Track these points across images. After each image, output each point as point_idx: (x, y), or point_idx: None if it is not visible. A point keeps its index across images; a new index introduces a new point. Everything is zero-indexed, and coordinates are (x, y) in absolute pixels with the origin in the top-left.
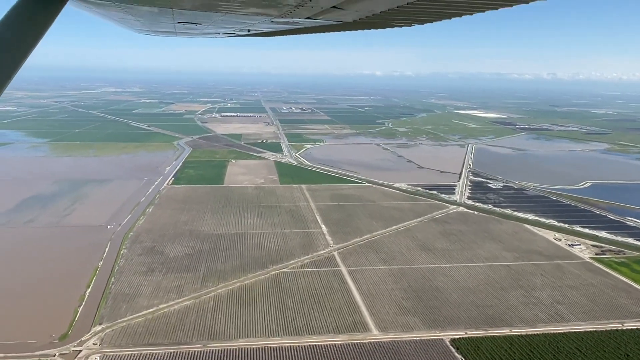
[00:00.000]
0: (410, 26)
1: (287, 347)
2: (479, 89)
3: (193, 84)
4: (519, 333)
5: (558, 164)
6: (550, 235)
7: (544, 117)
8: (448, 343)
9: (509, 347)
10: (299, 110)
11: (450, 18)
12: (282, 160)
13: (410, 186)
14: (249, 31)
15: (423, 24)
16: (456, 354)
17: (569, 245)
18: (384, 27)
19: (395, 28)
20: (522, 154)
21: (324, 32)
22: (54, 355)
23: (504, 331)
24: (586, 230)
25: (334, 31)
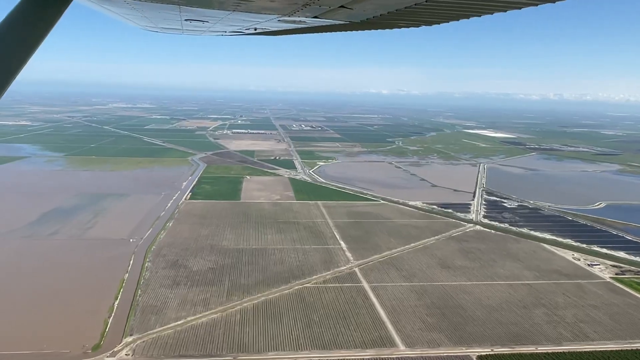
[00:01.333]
0: (417, 27)
1: None
2: (486, 109)
3: (202, 101)
4: (545, 351)
5: (571, 185)
6: (569, 254)
7: (554, 137)
8: (475, 359)
9: None
10: (309, 128)
11: (457, 19)
12: (297, 177)
13: (425, 204)
14: (255, 30)
15: (430, 25)
16: None
17: (589, 265)
18: (391, 28)
19: (402, 29)
20: (534, 174)
21: (330, 31)
22: None
23: (530, 349)
24: (604, 251)
25: (340, 31)
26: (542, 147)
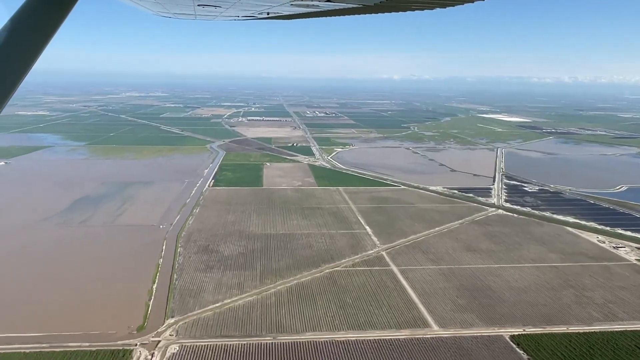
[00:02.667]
0: (431, 9)
1: (353, 340)
2: (500, 93)
3: (214, 89)
4: (577, 331)
5: (591, 168)
6: (593, 237)
7: (570, 121)
8: (508, 339)
9: (568, 344)
10: (323, 115)
11: (472, 1)
12: (316, 164)
13: (446, 189)
14: (268, 14)
15: (444, 7)
16: (517, 349)
17: (614, 247)
18: (404, 10)
19: (415, 12)
20: (553, 158)
21: (343, 15)
22: (136, 345)
23: (561, 329)
24: (628, 233)
25: (353, 14)
26: (558, 130)
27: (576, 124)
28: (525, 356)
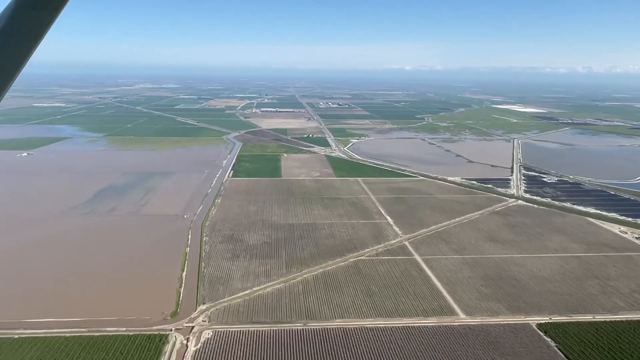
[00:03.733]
0: None
1: (382, 327)
2: (513, 84)
3: (226, 80)
4: (603, 320)
5: (609, 159)
6: (615, 228)
7: (586, 111)
8: (535, 327)
9: (595, 332)
10: (336, 106)
11: None
12: (332, 155)
13: (464, 180)
14: None
15: None
16: (545, 337)
17: (636, 238)
18: None
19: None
20: (571, 149)
21: None
22: (171, 330)
23: (587, 317)
24: None
25: None
26: (575, 121)
27: (592, 115)
28: (552, 343)
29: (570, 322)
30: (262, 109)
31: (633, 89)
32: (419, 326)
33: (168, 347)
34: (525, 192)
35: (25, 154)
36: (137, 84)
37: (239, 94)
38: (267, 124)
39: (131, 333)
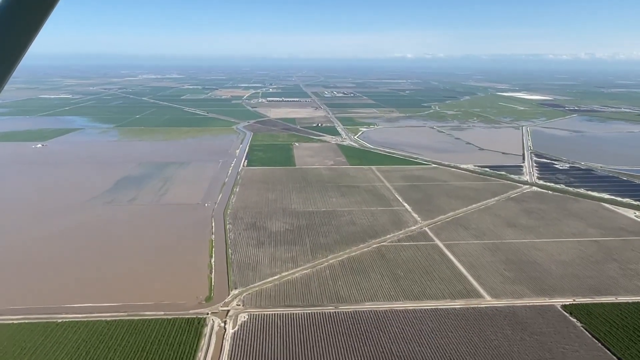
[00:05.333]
0: None
1: (411, 309)
2: (516, 71)
3: (228, 70)
4: (625, 301)
5: (619, 146)
6: (630, 213)
7: (592, 98)
8: (560, 308)
9: (619, 313)
10: (341, 95)
11: None
12: (343, 143)
13: (477, 167)
14: None
15: None
16: (570, 318)
17: None
18: None
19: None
20: (580, 136)
21: None
22: (207, 314)
23: (610, 299)
24: None
25: None
26: (582, 108)
27: (598, 102)
28: (578, 324)
29: (594, 303)
30: (268, 99)
31: (637, 75)
32: (447, 308)
33: (207, 330)
34: (539, 178)
35: (39, 145)
36: (141, 74)
37: (243, 84)
38: (274, 113)
39: (170, 317)
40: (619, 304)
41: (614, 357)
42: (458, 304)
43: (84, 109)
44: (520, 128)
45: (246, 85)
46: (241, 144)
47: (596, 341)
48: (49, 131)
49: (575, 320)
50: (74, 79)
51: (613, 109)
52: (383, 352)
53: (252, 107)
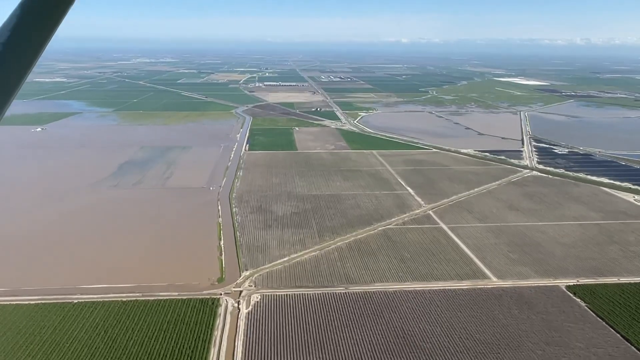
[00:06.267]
0: None
1: (420, 290)
2: (512, 56)
3: (223, 54)
4: (628, 282)
5: (617, 131)
6: (629, 197)
7: (588, 84)
8: (564, 289)
9: (622, 293)
10: (338, 79)
11: None
12: (343, 128)
13: (477, 152)
14: None
15: None
16: (575, 298)
17: None
18: None
19: None
20: (578, 121)
21: None
22: (220, 294)
23: (613, 280)
24: None
25: None
26: (578, 94)
27: (594, 87)
28: (582, 303)
29: (597, 284)
30: (265, 83)
31: (632, 60)
32: (455, 288)
33: (221, 310)
34: (539, 163)
35: (39, 129)
36: (134, 58)
37: (238, 68)
38: (272, 97)
39: (184, 297)
40: (622, 284)
41: (618, 335)
42: (465, 284)
43: (80, 93)
44: (518, 113)
45: (242, 69)
46: (241, 128)
47: (600, 320)
48: (47, 115)
49: (579, 300)
50: (67, 62)
51: (609, 95)
52: (395, 330)
53: (250, 92)
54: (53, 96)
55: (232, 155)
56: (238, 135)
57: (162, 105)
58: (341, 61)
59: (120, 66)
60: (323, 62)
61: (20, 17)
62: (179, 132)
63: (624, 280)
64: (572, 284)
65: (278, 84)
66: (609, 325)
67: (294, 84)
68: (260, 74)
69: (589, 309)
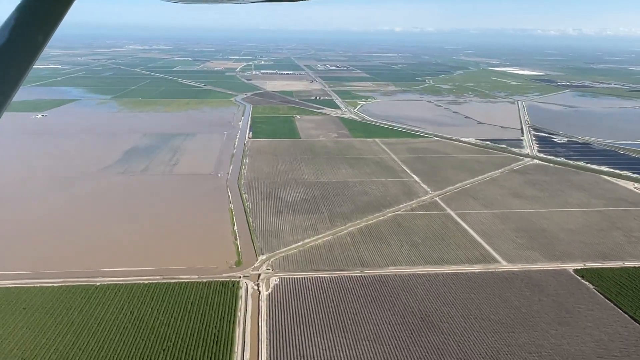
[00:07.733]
0: None
1: (433, 273)
2: (505, 46)
3: (216, 42)
4: (633, 265)
5: (614, 120)
6: (629, 185)
7: (582, 74)
8: (572, 272)
9: (628, 276)
10: (334, 68)
11: None
12: (344, 116)
13: (478, 140)
14: None
15: None
16: (583, 281)
17: None
18: None
19: None
20: (575, 111)
21: None
22: (240, 277)
23: (618, 264)
24: None
25: None
26: (574, 84)
27: (589, 77)
28: (590, 286)
29: (603, 267)
30: (262, 71)
31: (624, 51)
32: (467, 272)
33: (242, 292)
34: (539, 151)
35: (39, 115)
36: (127, 45)
37: (233, 56)
38: (270, 86)
39: (204, 280)
40: (627, 268)
41: (626, 316)
42: (477, 268)
43: (76, 80)
44: (516, 102)
45: (237, 57)
46: (242, 116)
47: (608, 301)
48: (45, 102)
49: (587, 283)
50: (59, 49)
51: (604, 85)
52: (413, 311)
53: (247, 80)
54: (49, 83)
55: (236, 143)
56: (240, 123)
57: (161, 93)
58: (335, 50)
59: (114, 53)
60: (318, 51)
61: (20, 17)
62: (181, 119)
63: (628, 264)
64: (579, 267)
65: (275, 72)
66: (617, 306)
67: (291, 72)
68: (255, 62)
69: (597, 291)
